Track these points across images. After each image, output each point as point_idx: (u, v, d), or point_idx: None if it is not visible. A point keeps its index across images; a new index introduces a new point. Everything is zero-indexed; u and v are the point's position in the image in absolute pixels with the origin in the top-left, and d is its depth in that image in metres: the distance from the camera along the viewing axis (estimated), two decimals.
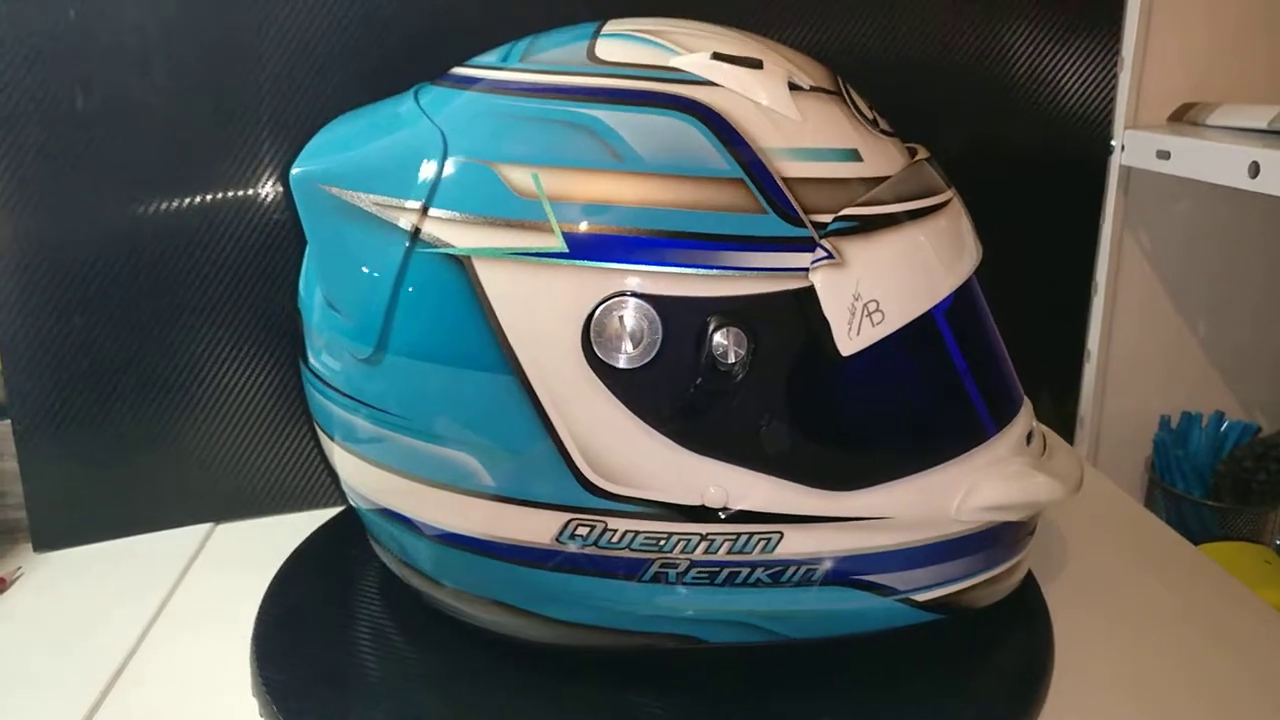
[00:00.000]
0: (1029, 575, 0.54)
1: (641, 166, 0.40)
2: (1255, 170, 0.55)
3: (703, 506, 0.41)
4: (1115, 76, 0.68)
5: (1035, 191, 0.71)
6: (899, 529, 0.43)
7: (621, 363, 0.39)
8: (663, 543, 0.41)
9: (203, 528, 0.65)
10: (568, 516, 0.41)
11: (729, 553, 0.42)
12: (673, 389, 0.40)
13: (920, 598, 0.45)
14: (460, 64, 0.47)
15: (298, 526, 0.61)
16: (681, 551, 0.41)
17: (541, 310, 0.40)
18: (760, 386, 0.40)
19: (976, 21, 0.67)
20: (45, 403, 0.61)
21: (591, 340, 0.39)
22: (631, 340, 0.39)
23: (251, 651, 0.50)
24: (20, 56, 0.57)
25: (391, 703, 0.46)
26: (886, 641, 0.47)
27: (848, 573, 0.43)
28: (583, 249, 0.39)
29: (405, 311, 0.42)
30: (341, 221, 0.43)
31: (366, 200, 0.42)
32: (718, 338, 0.39)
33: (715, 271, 0.39)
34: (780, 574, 0.42)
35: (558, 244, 0.39)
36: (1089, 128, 0.69)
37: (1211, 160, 0.59)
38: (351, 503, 0.50)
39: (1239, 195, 0.57)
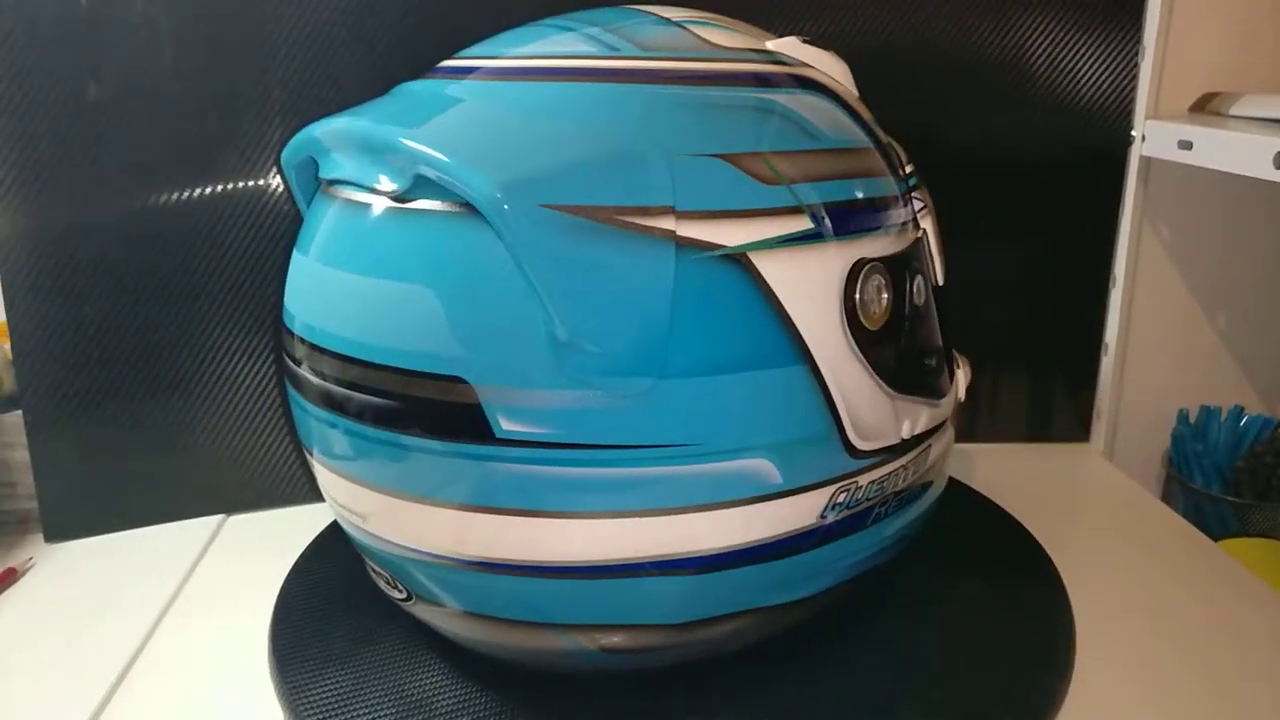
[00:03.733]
0: (1052, 569, 0.55)
1: (829, 143, 0.43)
2: None
3: (903, 441, 0.45)
4: (1136, 66, 0.67)
5: (1054, 182, 0.70)
6: (949, 419, 0.50)
7: (871, 325, 0.42)
8: (885, 483, 0.45)
9: (214, 519, 0.65)
10: (833, 488, 0.42)
11: (912, 476, 0.46)
12: (895, 340, 0.44)
13: (949, 474, 0.53)
14: (501, 54, 0.44)
15: (309, 519, 0.61)
16: (892, 488, 0.45)
17: (813, 293, 0.40)
18: (924, 324, 0.46)
19: (994, 9, 0.66)
20: (56, 393, 0.61)
21: (856, 310, 0.41)
22: (879, 303, 0.42)
23: (269, 640, 0.50)
24: (32, 46, 0.57)
25: (406, 692, 0.46)
26: (907, 633, 0.50)
27: (941, 467, 0.50)
28: (826, 226, 0.41)
29: (688, 326, 0.38)
30: (582, 244, 0.37)
31: (605, 214, 0.37)
32: (912, 286, 0.44)
33: (897, 229, 0.44)
34: (925, 483, 0.49)
35: (811, 225, 0.40)
36: (1109, 118, 0.68)
37: (1234, 151, 0.58)
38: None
39: (1261, 186, 0.56)
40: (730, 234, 0.39)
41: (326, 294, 0.42)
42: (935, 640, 0.49)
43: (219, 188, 0.61)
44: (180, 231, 0.61)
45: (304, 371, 0.43)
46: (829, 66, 0.46)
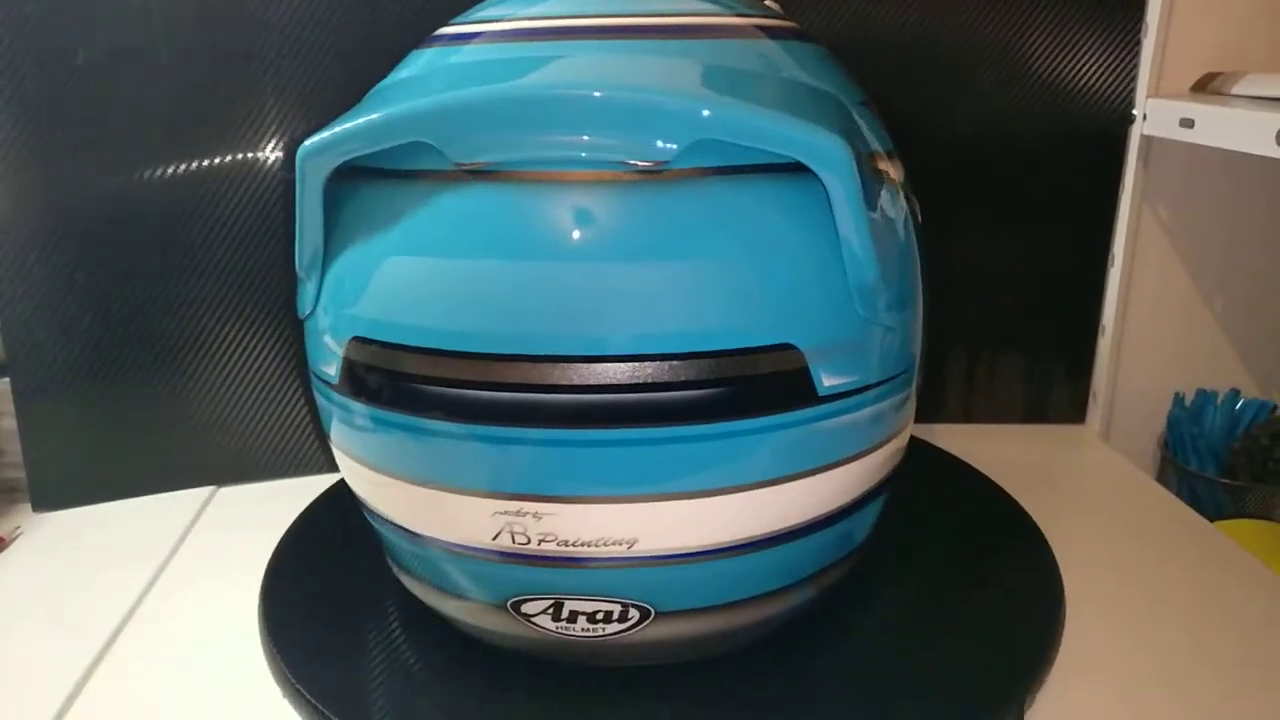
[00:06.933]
0: (1047, 549, 0.54)
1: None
2: None
3: None
4: (1138, 45, 0.67)
5: (1053, 162, 0.69)
6: None
7: None
8: None
9: (204, 491, 0.64)
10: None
11: None
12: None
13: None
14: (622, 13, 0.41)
15: (300, 491, 0.61)
16: None
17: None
18: None
19: None
20: (45, 361, 0.60)
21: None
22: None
23: (259, 612, 0.50)
24: (20, 12, 0.56)
25: (400, 662, 0.45)
26: (900, 607, 0.50)
27: None
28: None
29: (909, 256, 0.42)
30: (873, 189, 0.39)
31: (869, 159, 0.40)
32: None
33: None
34: None
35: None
36: (1110, 97, 0.68)
37: (1236, 128, 0.58)
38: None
39: (1262, 168, 0.56)
40: (897, 170, 0.43)
41: (585, 296, 0.36)
42: (926, 616, 0.49)
43: (212, 155, 0.60)
44: (172, 200, 0.60)
45: (555, 397, 0.36)
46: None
